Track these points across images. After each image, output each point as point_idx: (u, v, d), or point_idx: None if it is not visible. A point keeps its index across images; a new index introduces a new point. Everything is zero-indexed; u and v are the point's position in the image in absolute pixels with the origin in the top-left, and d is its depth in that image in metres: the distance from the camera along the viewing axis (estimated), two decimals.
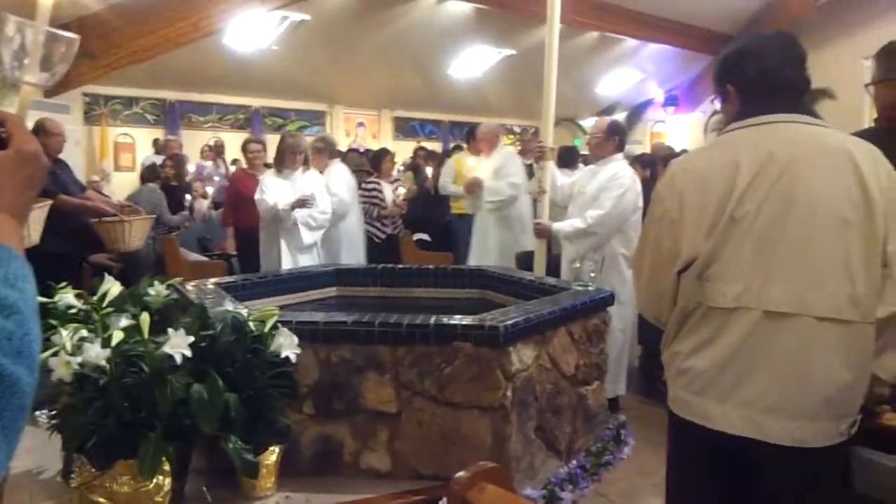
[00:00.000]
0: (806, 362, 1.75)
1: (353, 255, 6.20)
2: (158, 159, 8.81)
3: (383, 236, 6.84)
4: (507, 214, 6.18)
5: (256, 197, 5.16)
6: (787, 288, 1.76)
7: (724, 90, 2.03)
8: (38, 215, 4.58)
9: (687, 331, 1.92)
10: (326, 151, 6.10)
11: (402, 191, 7.76)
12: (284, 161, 5.15)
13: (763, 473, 1.82)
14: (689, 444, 1.94)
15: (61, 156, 5.51)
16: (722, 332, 1.83)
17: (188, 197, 8.11)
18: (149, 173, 7.28)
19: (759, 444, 1.77)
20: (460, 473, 1.55)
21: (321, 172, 5.83)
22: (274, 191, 5.08)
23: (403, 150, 13.13)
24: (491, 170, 6.23)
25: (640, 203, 4.48)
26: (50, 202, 5.18)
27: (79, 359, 2.57)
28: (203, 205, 8.38)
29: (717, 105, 2.17)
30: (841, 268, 1.74)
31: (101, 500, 2.55)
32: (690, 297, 1.89)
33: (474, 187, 6.36)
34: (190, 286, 3.79)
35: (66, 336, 2.67)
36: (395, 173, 8.28)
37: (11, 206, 0.83)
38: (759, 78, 1.92)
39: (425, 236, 7.61)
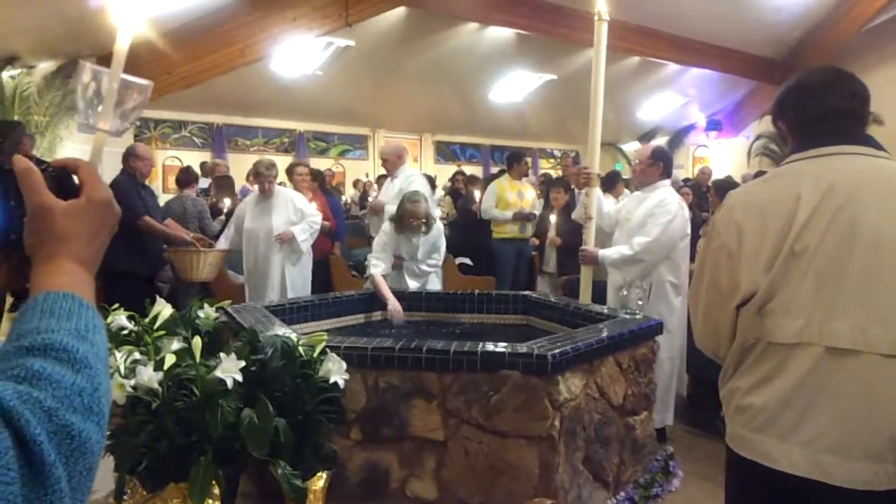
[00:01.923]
0: (870, 401, 1.70)
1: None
2: (205, 182, 8.96)
3: None
4: None
5: (373, 261, 4.83)
6: (851, 324, 1.71)
7: (778, 129, 2.05)
8: None
9: (746, 366, 1.88)
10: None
11: (438, 213, 7.79)
12: (405, 225, 4.86)
13: None
14: (750, 483, 1.89)
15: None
16: (783, 368, 1.79)
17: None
18: (184, 176, 7.18)
19: (822, 487, 1.71)
20: None
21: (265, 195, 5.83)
22: (387, 256, 4.86)
23: (444, 174, 13.22)
24: (395, 192, 6.03)
25: (688, 230, 4.43)
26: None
27: (132, 381, 2.61)
28: None
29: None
30: None
31: None
32: (749, 332, 1.85)
33: (377, 210, 6.27)
34: (238, 309, 3.83)
35: (119, 358, 2.71)
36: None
37: (81, 255, 0.83)
38: (802, 112, 1.93)
39: (467, 260, 7.61)
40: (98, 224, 0.86)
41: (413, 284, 5.01)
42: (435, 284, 5.26)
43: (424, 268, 5.09)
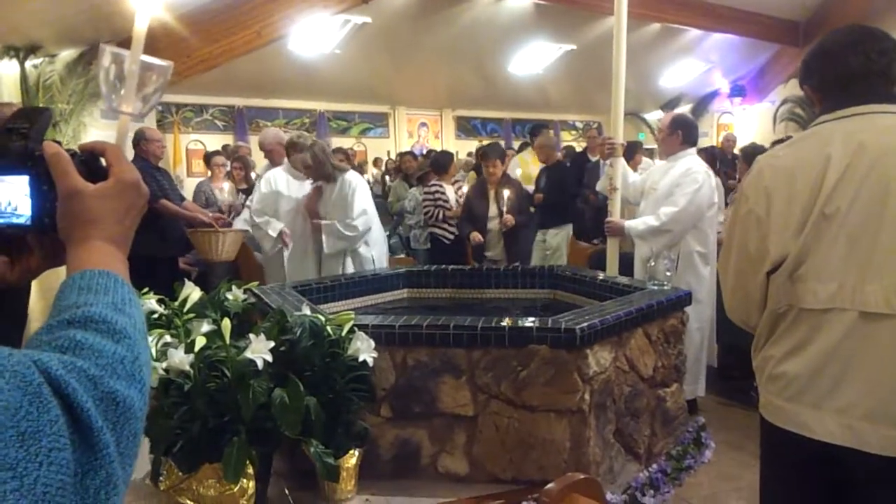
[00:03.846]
0: None
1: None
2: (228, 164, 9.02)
3: (452, 237, 6.81)
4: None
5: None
6: (885, 287, 1.68)
7: (806, 93, 2.03)
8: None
9: (778, 334, 1.86)
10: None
11: (465, 190, 7.73)
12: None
13: (864, 486, 1.74)
14: (784, 453, 1.88)
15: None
16: (815, 334, 1.77)
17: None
18: (207, 159, 7.31)
19: (858, 454, 1.69)
20: (550, 485, 1.52)
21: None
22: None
23: (466, 149, 13.16)
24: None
25: (716, 198, 4.37)
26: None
27: (164, 364, 2.64)
28: None
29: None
30: None
31: (189, 502, 2.61)
32: (781, 299, 1.83)
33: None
34: (266, 290, 3.85)
35: (151, 342, 2.74)
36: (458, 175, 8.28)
37: (113, 235, 0.85)
38: (827, 74, 1.90)
39: None
40: (127, 204, 0.88)
41: (330, 245, 4.90)
42: (367, 261, 5.00)
43: (340, 228, 4.87)
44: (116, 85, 1.05)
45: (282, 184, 5.60)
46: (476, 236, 5.77)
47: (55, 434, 0.60)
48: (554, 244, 6.80)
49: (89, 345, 0.70)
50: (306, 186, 5.51)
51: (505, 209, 5.57)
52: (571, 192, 7.13)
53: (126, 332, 0.74)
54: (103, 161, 0.89)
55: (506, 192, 5.59)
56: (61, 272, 0.90)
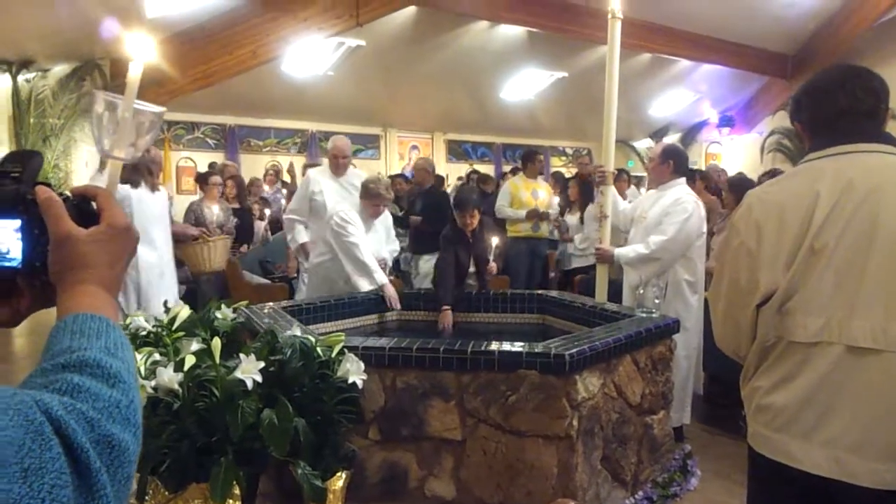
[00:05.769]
0: (891, 400, 1.69)
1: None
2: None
3: None
4: None
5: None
6: (871, 322, 1.71)
7: (796, 129, 2.06)
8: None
9: (767, 366, 1.88)
10: None
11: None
12: None
13: None
14: (772, 483, 1.89)
15: None
16: (803, 367, 1.79)
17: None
18: (201, 179, 7.28)
19: (845, 487, 1.70)
20: None
21: None
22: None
23: (456, 173, 13.23)
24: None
25: (705, 228, 4.41)
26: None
27: (152, 382, 2.63)
28: (260, 227, 8.50)
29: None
30: None
31: None
32: (770, 331, 1.85)
33: None
34: (256, 310, 3.85)
35: (139, 360, 2.73)
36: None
37: (104, 279, 0.86)
38: (817, 112, 1.94)
39: None
40: (119, 249, 0.89)
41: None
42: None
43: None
44: (109, 130, 1.07)
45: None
46: (447, 319, 4.50)
47: (57, 471, 0.61)
48: (424, 270, 6.64)
49: (86, 388, 0.70)
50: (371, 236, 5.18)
51: (492, 257, 5.02)
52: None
53: (120, 376, 0.75)
54: (94, 205, 0.90)
55: (494, 240, 5.06)
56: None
